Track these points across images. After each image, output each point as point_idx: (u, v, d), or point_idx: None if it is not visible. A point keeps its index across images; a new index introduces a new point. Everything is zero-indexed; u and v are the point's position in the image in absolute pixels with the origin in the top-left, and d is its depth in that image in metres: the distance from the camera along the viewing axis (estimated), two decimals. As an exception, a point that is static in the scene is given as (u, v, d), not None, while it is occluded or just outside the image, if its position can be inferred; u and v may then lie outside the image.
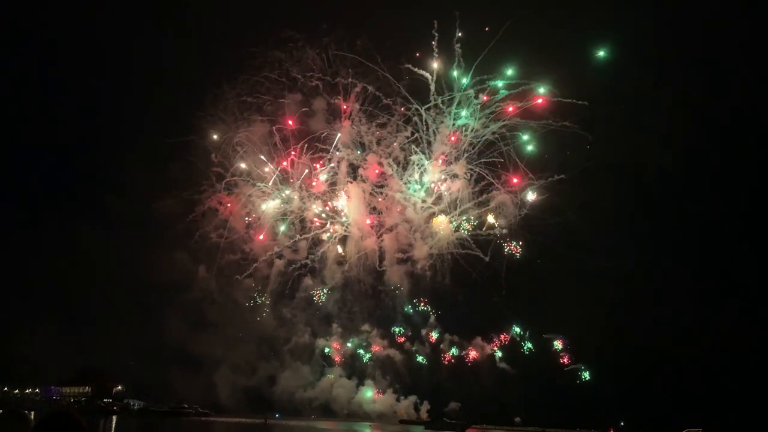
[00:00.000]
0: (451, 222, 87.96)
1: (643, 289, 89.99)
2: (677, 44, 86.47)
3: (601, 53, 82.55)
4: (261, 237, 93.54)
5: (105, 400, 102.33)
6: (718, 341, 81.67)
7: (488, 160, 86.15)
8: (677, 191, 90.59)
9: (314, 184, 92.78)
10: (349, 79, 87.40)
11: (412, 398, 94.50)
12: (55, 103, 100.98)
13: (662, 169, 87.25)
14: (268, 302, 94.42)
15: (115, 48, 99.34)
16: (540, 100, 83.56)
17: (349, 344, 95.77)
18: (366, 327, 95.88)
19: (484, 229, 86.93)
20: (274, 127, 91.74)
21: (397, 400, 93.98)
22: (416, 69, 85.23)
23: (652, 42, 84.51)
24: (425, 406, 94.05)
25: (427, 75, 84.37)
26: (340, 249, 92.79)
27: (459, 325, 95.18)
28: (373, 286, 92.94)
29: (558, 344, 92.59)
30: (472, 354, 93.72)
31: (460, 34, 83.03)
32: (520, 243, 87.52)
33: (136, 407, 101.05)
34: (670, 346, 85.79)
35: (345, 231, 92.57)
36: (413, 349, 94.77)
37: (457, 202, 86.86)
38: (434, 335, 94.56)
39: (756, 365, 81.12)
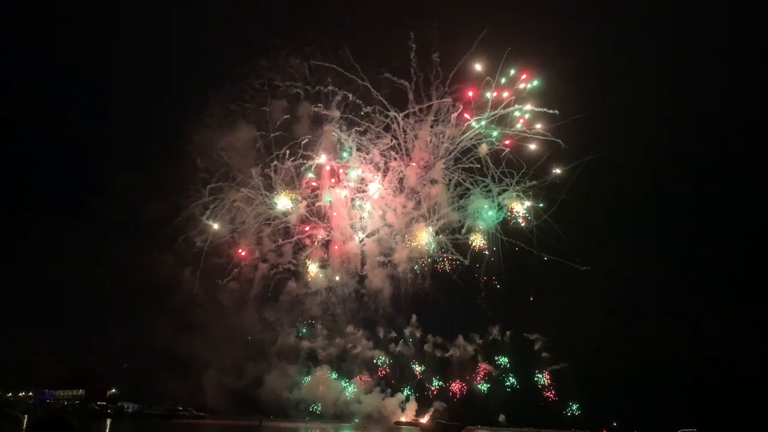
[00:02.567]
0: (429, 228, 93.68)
1: (632, 289, 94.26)
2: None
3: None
4: (242, 252, 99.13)
5: (99, 403, 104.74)
6: (712, 341, 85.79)
7: (465, 166, 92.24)
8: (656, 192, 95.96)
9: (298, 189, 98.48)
10: (329, 87, 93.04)
11: (400, 396, 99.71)
12: (42, 108, 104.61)
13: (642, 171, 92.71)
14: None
15: (104, 53, 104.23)
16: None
17: (334, 375, 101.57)
18: (351, 329, 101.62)
19: (463, 232, 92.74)
20: (257, 133, 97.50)
21: (383, 399, 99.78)
22: (395, 78, 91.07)
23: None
24: (412, 406, 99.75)
25: (406, 84, 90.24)
26: (312, 270, 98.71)
27: (441, 326, 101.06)
28: (356, 289, 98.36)
29: (545, 380, 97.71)
30: (455, 386, 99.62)
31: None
32: (503, 276, 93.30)
33: (130, 410, 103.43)
34: (663, 345, 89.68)
35: (327, 236, 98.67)
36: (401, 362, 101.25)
37: (436, 207, 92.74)
38: (418, 369, 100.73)
39: (750, 365, 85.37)
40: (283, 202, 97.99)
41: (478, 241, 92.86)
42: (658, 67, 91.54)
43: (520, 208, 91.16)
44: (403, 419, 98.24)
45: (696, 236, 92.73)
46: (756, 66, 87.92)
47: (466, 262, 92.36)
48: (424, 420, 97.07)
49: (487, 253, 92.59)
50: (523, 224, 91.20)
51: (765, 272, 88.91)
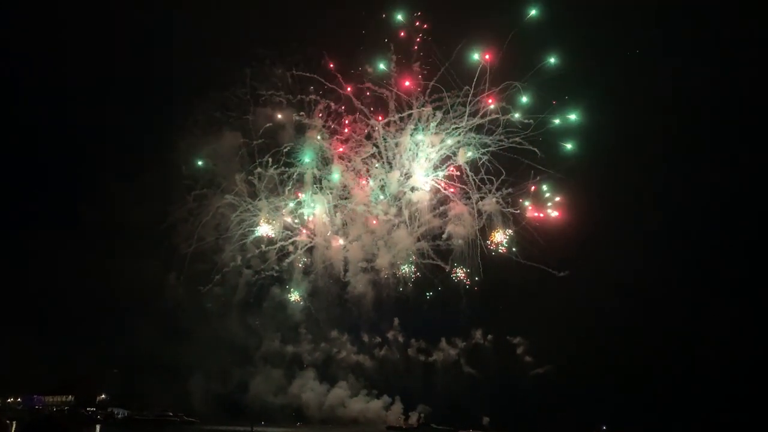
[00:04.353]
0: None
1: (618, 292, 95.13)
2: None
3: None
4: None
5: (88, 408, 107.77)
6: (704, 343, 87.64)
7: (445, 173, 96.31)
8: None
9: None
10: (312, 96, 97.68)
11: (386, 399, 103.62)
12: (28, 111, 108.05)
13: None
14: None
15: (92, 61, 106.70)
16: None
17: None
18: (335, 333, 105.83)
19: (444, 238, 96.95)
20: (241, 140, 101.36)
21: (367, 403, 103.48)
22: (377, 88, 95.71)
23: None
24: (397, 408, 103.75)
25: (387, 93, 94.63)
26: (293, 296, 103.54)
27: (424, 331, 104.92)
28: (339, 294, 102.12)
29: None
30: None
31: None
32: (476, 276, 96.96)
33: (120, 416, 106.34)
34: (654, 348, 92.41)
35: (311, 242, 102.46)
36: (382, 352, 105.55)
37: (416, 214, 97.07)
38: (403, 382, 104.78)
39: (742, 368, 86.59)
40: (264, 228, 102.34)
41: (459, 273, 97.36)
42: (651, 73, 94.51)
43: (501, 237, 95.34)
44: (395, 424, 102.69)
45: (685, 237, 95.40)
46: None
47: (447, 268, 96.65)
48: (414, 425, 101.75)
49: (468, 283, 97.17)
50: (503, 252, 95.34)
51: (761, 270, 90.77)
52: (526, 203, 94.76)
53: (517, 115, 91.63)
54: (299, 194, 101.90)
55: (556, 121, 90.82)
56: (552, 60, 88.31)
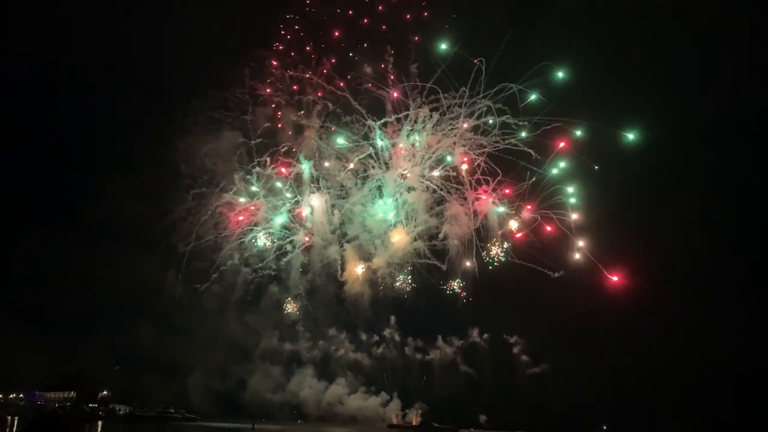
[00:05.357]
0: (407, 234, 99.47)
1: (621, 289, 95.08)
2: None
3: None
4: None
5: (90, 405, 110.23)
6: (703, 343, 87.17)
7: (442, 174, 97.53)
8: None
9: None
10: (310, 97, 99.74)
11: (384, 396, 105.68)
12: (28, 110, 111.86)
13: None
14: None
15: (92, 60, 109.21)
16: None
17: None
18: (333, 331, 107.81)
19: (440, 238, 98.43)
20: (240, 140, 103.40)
21: (365, 400, 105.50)
22: (375, 90, 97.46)
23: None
24: (396, 405, 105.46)
25: (385, 94, 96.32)
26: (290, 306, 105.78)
27: (421, 330, 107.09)
28: (337, 293, 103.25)
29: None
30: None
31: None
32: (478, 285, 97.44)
33: (122, 412, 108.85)
34: (654, 347, 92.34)
35: (309, 241, 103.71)
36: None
37: (412, 213, 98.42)
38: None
39: (743, 368, 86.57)
40: (261, 240, 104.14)
41: (454, 286, 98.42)
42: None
43: (497, 249, 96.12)
44: (396, 422, 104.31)
45: (685, 235, 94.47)
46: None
47: (444, 268, 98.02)
48: (415, 423, 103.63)
49: (463, 295, 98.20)
50: (497, 264, 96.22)
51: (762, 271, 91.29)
52: (504, 206, 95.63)
53: (526, 128, 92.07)
54: (282, 171, 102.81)
55: (578, 132, 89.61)
56: (560, 74, 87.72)
